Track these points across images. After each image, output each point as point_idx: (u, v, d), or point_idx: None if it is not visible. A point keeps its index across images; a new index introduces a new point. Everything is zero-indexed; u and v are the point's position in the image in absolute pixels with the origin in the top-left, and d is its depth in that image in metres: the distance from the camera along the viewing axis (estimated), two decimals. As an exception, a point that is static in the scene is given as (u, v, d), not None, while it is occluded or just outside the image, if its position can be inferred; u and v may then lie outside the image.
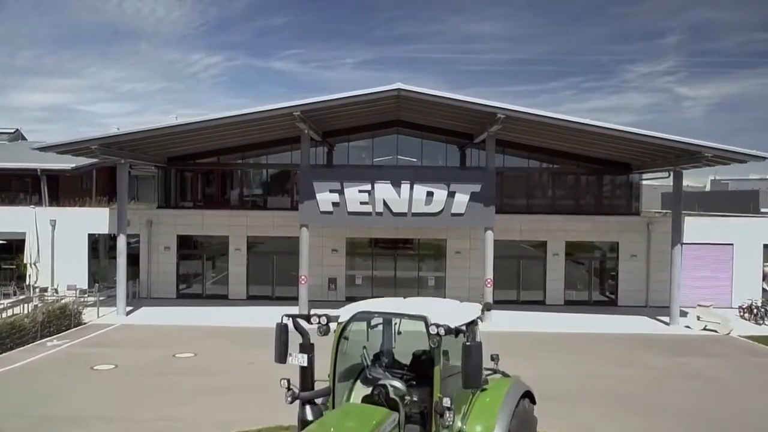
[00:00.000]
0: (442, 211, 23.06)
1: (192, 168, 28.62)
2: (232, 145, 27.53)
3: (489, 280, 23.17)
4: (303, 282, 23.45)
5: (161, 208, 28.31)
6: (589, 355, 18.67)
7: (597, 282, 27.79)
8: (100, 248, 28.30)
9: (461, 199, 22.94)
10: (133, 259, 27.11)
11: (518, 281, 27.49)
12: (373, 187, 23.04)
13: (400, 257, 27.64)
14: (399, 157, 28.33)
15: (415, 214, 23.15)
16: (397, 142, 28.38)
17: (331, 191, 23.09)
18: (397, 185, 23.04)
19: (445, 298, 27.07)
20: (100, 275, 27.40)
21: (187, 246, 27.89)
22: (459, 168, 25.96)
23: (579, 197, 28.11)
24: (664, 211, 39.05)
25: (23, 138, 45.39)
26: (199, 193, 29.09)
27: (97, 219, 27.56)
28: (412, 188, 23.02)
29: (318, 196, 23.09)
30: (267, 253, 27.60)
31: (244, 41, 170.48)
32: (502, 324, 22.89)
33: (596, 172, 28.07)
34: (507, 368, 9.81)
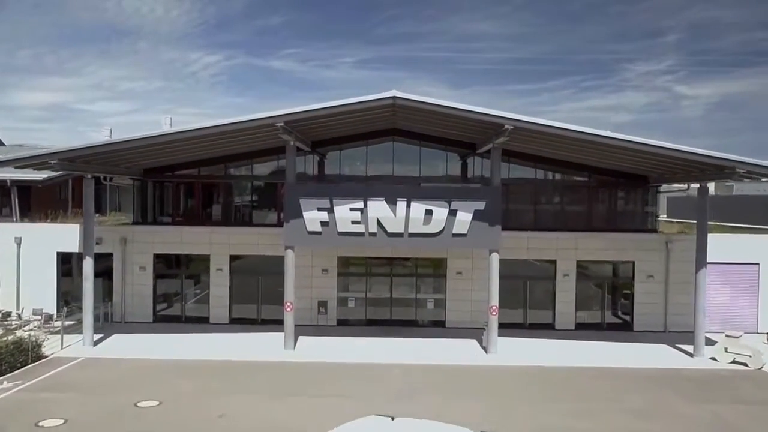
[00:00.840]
0: (442, 231, 20.84)
1: (170, 180, 26.35)
2: (214, 155, 25.30)
3: (494, 308, 20.95)
4: (288, 309, 21.22)
5: (137, 224, 26.07)
6: (604, 401, 16.43)
7: (611, 304, 25.52)
8: (72, 266, 26.02)
9: (463, 218, 20.72)
10: (108, 277, 24.96)
11: (525, 303, 25.27)
12: (365, 205, 20.81)
13: (396, 277, 25.41)
14: (396, 165, 26.13)
15: (412, 235, 20.92)
16: (393, 151, 26.16)
17: (320, 209, 20.86)
18: (392, 203, 20.81)
19: (444, 329, 25.17)
20: (72, 295, 25.13)
21: (164, 265, 25.64)
22: (461, 185, 23.62)
23: (591, 212, 25.87)
24: (674, 220, 36.90)
25: (1, 144, 43.18)
26: (177, 207, 26.80)
27: (67, 236, 25.29)
28: (408, 206, 20.80)
29: (305, 214, 20.86)
30: (252, 273, 25.36)
31: (244, 40, 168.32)
32: (508, 355, 20.75)
33: (610, 185, 25.87)
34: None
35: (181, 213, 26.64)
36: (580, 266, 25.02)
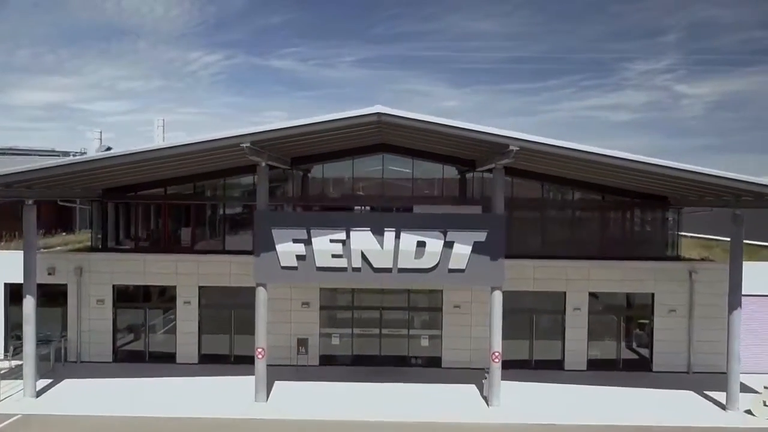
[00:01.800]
0: (436, 266, 18.07)
1: (132, 201, 23.55)
2: (182, 173, 22.51)
3: (497, 354, 18.17)
4: (260, 356, 18.43)
5: (95, 251, 23.26)
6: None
7: (626, 340, 22.69)
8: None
9: (461, 251, 17.95)
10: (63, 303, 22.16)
11: (531, 339, 22.47)
12: (348, 236, 18.04)
13: (386, 311, 22.61)
14: (386, 183, 23.39)
15: (402, 270, 18.15)
16: (383, 167, 23.40)
17: (295, 241, 18.07)
18: (379, 233, 18.03)
19: (440, 369, 22.32)
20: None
21: (125, 298, 22.79)
22: (458, 213, 20.41)
23: (605, 237, 23.09)
24: (687, 234, 34.06)
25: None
26: (140, 232, 23.98)
27: (17, 264, 22.35)
28: (398, 237, 18.03)
29: (278, 247, 18.07)
30: (224, 306, 22.54)
31: (243, 39, 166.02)
32: (513, 408, 17.98)
33: (626, 207, 23.09)
34: None
35: (144, 238, 23.82)
36: (593, 298, 22.24)
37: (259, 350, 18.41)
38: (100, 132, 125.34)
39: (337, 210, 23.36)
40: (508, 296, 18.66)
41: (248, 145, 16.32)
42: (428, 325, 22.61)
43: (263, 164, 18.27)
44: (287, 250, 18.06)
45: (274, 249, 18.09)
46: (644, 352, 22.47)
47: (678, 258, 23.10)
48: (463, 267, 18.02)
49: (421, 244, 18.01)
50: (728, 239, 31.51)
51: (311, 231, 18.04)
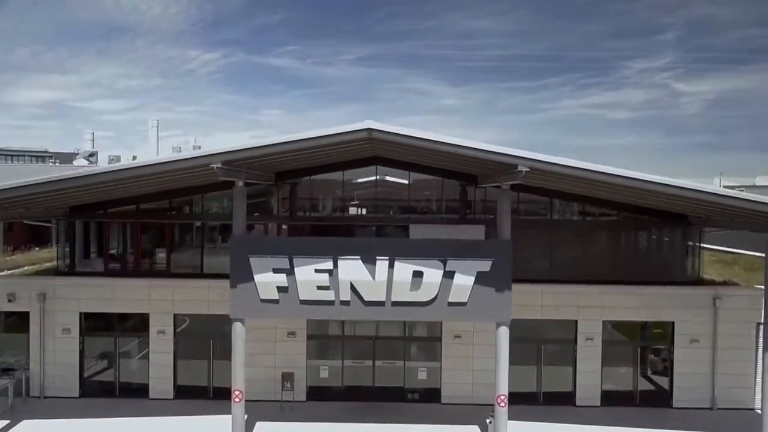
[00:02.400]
0: (435, 298, 16.07)
1: (101, 219, 21.52)
2: (156, 190, 20.49)
3: (503, 398, 16.16)
4: (237, 400, 16.43)
5: (60, 275, 21.25)
6: None
7: (645, 373, 20.71)
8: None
9: (463, 282, 15.96)
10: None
11: (539, 371, 20.48)
12: (335, 265, 16.03)
13: (380, 341, 20.61)
14: (380, 198, 21.43)
15: (396, 304, 16.14)
16: (376, 182, 21.43)
17: (276, 271, 16.07)
18: (370, 262, 16.03)
19: (439, 406, 20.36)
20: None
21: (93, 327, 20.77)
22: (458, 239, 17.96)
23: (620, 259, 21.08)
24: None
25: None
26: (111, 253, 21.93)
27: (-25, 289, 20.46)
28: (392, 266, 16.02)
29: (257, 277, 16.07)
30: (202, 335, 20.54)
31: (242, 38, 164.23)
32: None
33: (642, 226, 21.08)
34: None
35: (115, 260, 21.79)
36: (607, 327, 20.25)
37: (237, 393, 16.40)
38: (92, 133, 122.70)
39: (327, 227, 21.45)
40: (513, 325, 16.60)
41: (219, 165, 14.28)
42: (426, 356, 20.62)
43: (240, 184, 16.26)
44: (267, 280, 16.06)
45: (252, 280, 16.09)
46: (662, 382, 20.47)
47: (700, 282, 21.11)
48: (465, 300, 16.03)
49: (417, 275, 16.01)
50: (748, 253, 29.87)
51: (294, 259, 16.03)
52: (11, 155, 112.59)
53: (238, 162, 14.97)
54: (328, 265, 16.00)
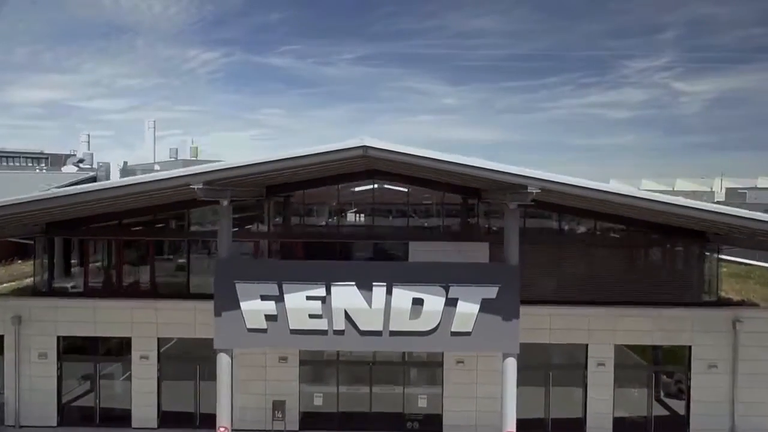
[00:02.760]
0: (437, 328, 14.86)
1: (82, 237, 20.24)
2: (139, 206, 19.23)
3: (510, 436, 14.94)
4: (222, 437, 15.19)
5: (37, 296, 19.99)
6: None
7: (660, 400, 19.48)
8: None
9: (467, 310, 14.73)
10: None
11: (547, 397, 19.23)
12: (329, 292, 14.80)
13: (378, 366, 19.34)
14: (377, 213, 20.18)
15: (395, 333, 14.93)
16: (374, 196, 20.20)
17: (265, 298, 14.84)
18: (365, 287, 14.80)
19: (442, 425, 19.25)
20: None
21: (72, 351, 19.50)
22: (463, 262, 16.64)
23: (633, 279, 19.80)
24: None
25: None
26: (91, 272, 20.63)
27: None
28: (389, 292, 14.80)
29: (243, 305, 14.84)
30: (188, 359, 19.27)
31: (241, 37, 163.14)
32: None
33: (657, 243, 19.82)
34: None
35: (96, 280, 20.51)
36: (620, 351, 19.00)
37: (222, 430, 15.16)
38: (88, 135, 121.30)
39: (321, 244, 20.21)
40: (520, 349, 15.38)
41: (200, 186, 13.03)
42: (426, 381, 19.37)
43: (225, 203, 15.00)
44: (254, 308, 14.83)
45: (239, 307, 14.85)
46: (678, 407, 19.23)
47: (718, 303, 19.85)
48: (469, 329, 14.81)
49: (417, 302, 14.79)
50: (763, 264, 28.61)
51: (283, 286, 14.80)
52: (7, 156, 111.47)
53: (222, 181, 13.72)
54: (321, 291, 14.78)
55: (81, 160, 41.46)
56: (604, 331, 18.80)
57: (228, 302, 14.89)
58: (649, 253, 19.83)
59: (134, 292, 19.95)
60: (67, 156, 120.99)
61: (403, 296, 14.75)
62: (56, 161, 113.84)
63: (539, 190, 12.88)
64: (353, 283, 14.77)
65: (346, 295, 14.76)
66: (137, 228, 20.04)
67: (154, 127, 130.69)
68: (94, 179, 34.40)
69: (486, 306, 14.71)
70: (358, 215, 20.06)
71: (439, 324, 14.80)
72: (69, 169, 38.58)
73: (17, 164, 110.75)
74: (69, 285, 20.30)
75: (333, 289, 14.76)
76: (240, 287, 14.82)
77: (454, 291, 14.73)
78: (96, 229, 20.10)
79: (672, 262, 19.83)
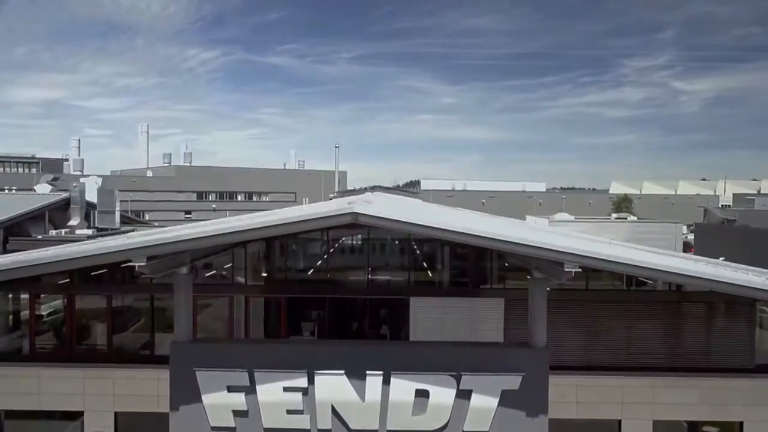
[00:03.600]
0: (446, 426, 11.98)
1: (27, 291, 17.31)
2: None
3: None
4: None
5: (-28, 362, 17.08)
6: None
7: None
8: None
9: (484, 404, 11.87)
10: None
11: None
12: (311, 381, 11.93)
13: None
14: (372, 266, 17.29)
15: (393, 433, 12.04)
16: (368, 244, 17.29)
17: (232, 389, 11.96)
18: (358, 377, 11.93)
19: None
20: None
21: (13, 429, 16.64)
22: (477, 348, 12.98)
23: (675, 343, 16.89)
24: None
25: None
26: (35, 333, 17.61)
27: None
28: (387, 382, 11.92)
29: (206, 398, 11.97)
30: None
31: (241, 36, 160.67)
32: None
33: (700, 300, 16.87)
34: None
35: (43, 342, 17.57)
36: (659, 427, 16.14)
37: None
38: (78, 140, 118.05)
39: (304, 300, 17.36)
40: None
41: (144, 264, 10.15)
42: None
43: (184, 271, 12.10)
44: (220, 402, 11.96)
45: (200, 400, 11.98)
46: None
47: (772, 370, 16.96)
48: (487, 428, 11.94)
49: (422, 394, 11.92)
50: None
51: (255, 374, 11.93)
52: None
53: (176, 254, 10.84)
54: (302, 381, 11.90)
55: (56, 178, 38.57)
56: (641, 403, 15.96)
57: (187, 394, 12.01)
58: (691, 310, 16.91)
59: (88, 356, 17.02)
60: (59, 160, 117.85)
61: (403, 387, 11.88)
62: (48, 166, 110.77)
63: (579, 269, 10.01)
64: (342, 371, 11.89)
65: (332, 386, 11.89)
66: (92, 281, 17.10)
67: (147, 132, 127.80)
68: (66, 202, 31.33)
69: (507, 399, 11.85)
70: (349, 270, 17.14)
71: (448, 422, 11.92)
72: (43, 188, 35.64)
73: (8, 170, 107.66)
74: (12, 347, 17.38)
75: (317, 378, 11.89)
76: (202, 376, 11.94)
77: (467, 381, 11.87)
78: (45, 283, 17.16)
79: (720, 323, 16.91)
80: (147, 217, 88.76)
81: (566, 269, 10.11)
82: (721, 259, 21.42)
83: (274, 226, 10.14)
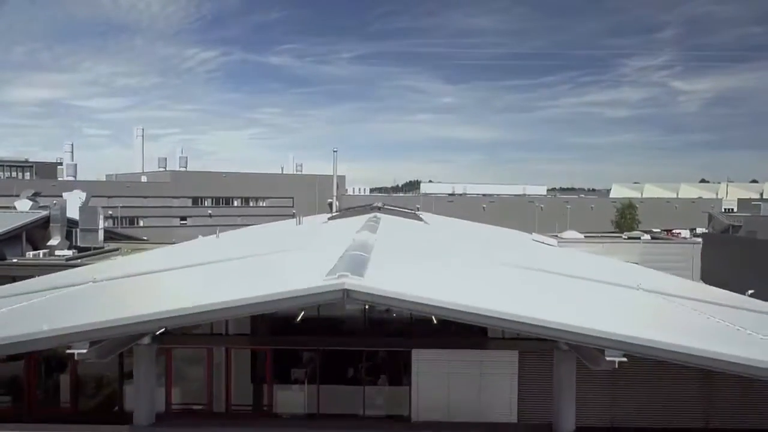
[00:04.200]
0: None
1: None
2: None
3: None
4: None
5: None
6: None
7: None
8: None
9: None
10: None
11: None
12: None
13: None
14: (370, 326, 15.36)
15: None
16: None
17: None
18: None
19: None
20: None
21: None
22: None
23: (712, 403, 14.97)
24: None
25: None
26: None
27: None
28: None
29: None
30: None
31: (240, 36, 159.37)
32: None
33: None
34: None
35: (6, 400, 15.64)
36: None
37: None
38: (72, 144, 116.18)
39: (297, 353, 15.45)
40: None
41: (85, 351, 8.23)
42: None
43: (146, 341, 10.20)
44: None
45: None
46: None
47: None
48: None
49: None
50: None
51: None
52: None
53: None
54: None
55: (36, 193, 36.47)
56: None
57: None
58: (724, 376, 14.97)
59: (51, 416, 15.10)
60: (53, 164, 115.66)
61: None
62: (42, 170, 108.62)
63: (624, 359, 8.10)
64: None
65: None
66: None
67: (143, 135, 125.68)
68: (46, 220, 29.45)
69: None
70: (347, 321, 15.21)
71: None
72: (22, 205, 33.66)
73: (1, 175, 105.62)
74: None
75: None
76: (166, 468, 10.04)
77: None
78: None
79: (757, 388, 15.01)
80: (141, 223, 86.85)
81: (608, 358, 8.24)
82: (749, 293, 19.60)
83: (250, 305, 8.25)
